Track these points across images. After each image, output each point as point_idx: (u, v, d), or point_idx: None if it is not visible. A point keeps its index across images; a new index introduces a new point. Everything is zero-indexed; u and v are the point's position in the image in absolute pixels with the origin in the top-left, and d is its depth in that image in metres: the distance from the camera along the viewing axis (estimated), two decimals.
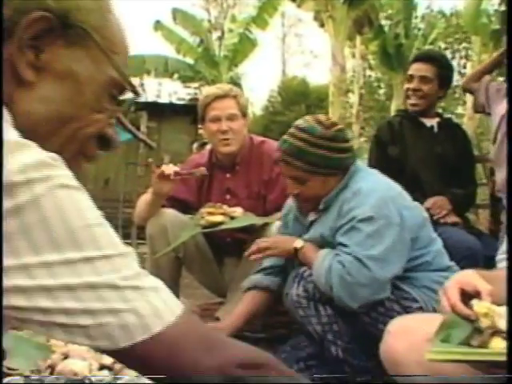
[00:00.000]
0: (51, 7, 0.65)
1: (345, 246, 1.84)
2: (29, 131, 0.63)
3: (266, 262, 2.19)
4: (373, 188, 1.92)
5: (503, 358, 1.02)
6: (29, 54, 0.65)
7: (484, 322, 1.10)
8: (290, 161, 1.94)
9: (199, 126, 2.74)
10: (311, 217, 2.06)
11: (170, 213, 2.53)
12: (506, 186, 2.33)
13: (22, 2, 0.65)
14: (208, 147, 3.09)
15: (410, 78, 2.81)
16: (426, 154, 2.77)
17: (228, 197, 2.62)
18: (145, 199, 2.53)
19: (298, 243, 1.99)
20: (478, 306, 1.12)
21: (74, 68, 0.68)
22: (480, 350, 1.08)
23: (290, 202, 2.20)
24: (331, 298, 1.85)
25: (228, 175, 2.64)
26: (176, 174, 2.37)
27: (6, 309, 0.55)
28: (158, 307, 0.60)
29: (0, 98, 0.58)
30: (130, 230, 9.15)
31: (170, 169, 2.38)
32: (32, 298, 0.54)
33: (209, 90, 2.67)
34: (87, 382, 1.37)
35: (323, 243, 1.95)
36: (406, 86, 2.82)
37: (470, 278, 1.20)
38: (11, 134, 0.56)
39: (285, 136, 1.98)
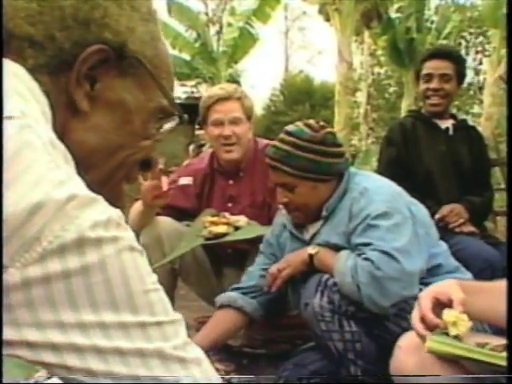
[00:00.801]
0: (108, 40, 0.71)
1: (366, 244, 1.86)
2: (81, 160, 0.68)
3: (247, 281, 2.19)
4: (379, 185, 1.97)
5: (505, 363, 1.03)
6: (85, 84, 0.70)
7: (452, 331, 1.12)
8: (277, 166, 1.98)
9: (196, 126, 2.74)
10: (312, 229, 2.06)
11: (166, 221, 2.52)
12: (506, 185, 2.32)
13: (82, 34, 0.69)
14: (205, 149, 3.10)
15: (429, 77, 2.80)
16: (441, 158, 2.77)
17: (230, 205, 2.61)
18: (137, 208, 2.52)
19: (312, 249, 1.99)
20: (447, 315, 1.15)
21: (126, 97, 0.73)
22: (485, 351, 1.09)
23: (280, 220, 2.19)
24: (357, 305, 1.84)
25: (231, 182, 2.63)
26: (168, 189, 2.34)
27: (57, 367, 0.57)
28: (198, 380, 0.63)
29: (0, 93, 0.60)
30: None
31: (164, 183, 2.33)
32: (84, 358, 0.57)
33: (211, 91, 2.65)
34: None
35: (335, 252, 1.95)
36: (425, 85, 2.80)
37: (446, 287, 1.25)
38: (80, 187, 0.59)
39: (273, 141, 2.03)
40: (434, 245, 2.00)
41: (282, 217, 2.17)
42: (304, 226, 2.10)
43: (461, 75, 2.82)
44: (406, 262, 1.81)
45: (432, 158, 2.76)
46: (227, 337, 2.17)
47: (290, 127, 2.02)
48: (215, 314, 2.14)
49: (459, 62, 2.83)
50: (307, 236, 2.07)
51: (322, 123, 2.02)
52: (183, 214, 2.60)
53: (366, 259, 1.82)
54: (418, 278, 1.85)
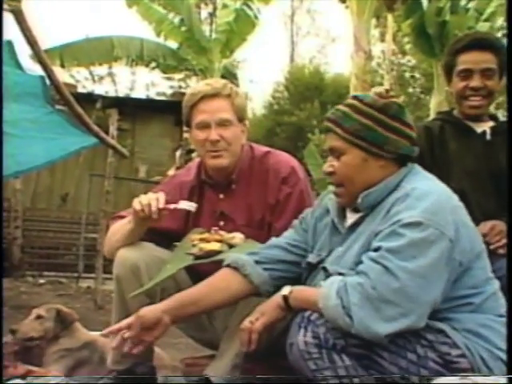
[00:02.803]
0: None
1: (375, 250, 1.88)
2: None
3: (264, 249, 2.28)
4: (429, 191, 1.97)
5: None
6: None
7: None
8: (330, 127, 2.10)
9: (185, 128, 2.72)
10: (350, 220, 2.11)
11: (146, 247, 2.51)
12: (507, 189, 2.32)
13: None
14: (195, 155, 3.09)
15: (467, 74, 2.77)
16: (476, 168, 2.74)
17: (222, 223, 2.61)
18: (120, 228, 2.53)
19: (285, 290, 2.03)
20: None
21: None
22: None
23: (325, 203, 2.25)
24: (347, 338, 1.85)
25: (221, 196, 2.65)
26: (162, 209, 2.37)
27: None
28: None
29: (0, 91, 0.60)
30: (94, 261, 9.11)
31: (155, 207, 2.36)
32: None
33: (195, 87, 2.66)
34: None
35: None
36: (463, 83, 2.76)
37: None
38: None
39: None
40: (476, 285, 1.96)
41: (327, 200, 2.24)
42: (345, 216, 2.15)
43: (503, 68, 2.79)
44: (415, 288, 1.81)
45: (465, 168, 2.74)
46: (228, 302, 2.22)
47: (358, 93, 2.19)
48: (220, 272, 2.21)
49: (502, 53, 2.79)
50: (343, 229, 2.13)
51: (393, 93, 2.12)
52: (171, 239, 2.59)
53: (362, 272, 1.84)
54: (426, 309, 1.84)
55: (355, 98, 2.11)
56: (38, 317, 3.18)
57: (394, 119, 2.05)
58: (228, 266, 2.22)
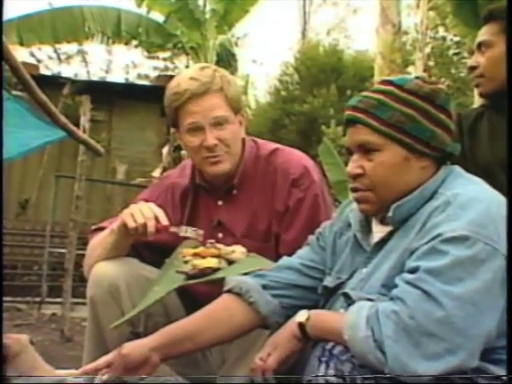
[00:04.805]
0: None
1: (412, 271, 1.84)
2: None
3: (274, 271, 2.27)
4: (475, 197, 1.91)
5: None
6: None
7: None
8: (360, 118, 2.02)
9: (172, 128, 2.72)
10: (377, 235, 2.08)
11: (127, 263, 2.53)
12: (507, 186, 2.34)
13: None
14: (184, 153, 3.09)
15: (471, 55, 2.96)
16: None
17: (220, 235, 2.64)
18: (101, 241, 2.54)
19: (301, 315, 2.00)
20: None
21: None
22: None
23: (346, 215, 2.23)
24: (380, 375, 1.81)
25: (220, 203, 2.67)
26: (161, 228, 2.40)
27: None
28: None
29: (0, 97, 0.62)
30: (61, 282, 9.10)
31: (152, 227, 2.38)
32: None
33: (178, 84, 2.59)
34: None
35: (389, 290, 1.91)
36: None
37: None
38: None
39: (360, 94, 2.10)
40: None
41: (349, 211, 2.21)
42: (370, 230, 2.12)
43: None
44: (464, 317, 1.76)
45: (499, 157, 2.74)
46: (230, 336, 2.22)
47: (389, 77, 2.11)
48: (220, 299, 2.20)
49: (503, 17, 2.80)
50: (369, 246, 2.10)
51: (435, 80, 2.10)
52: (159, 252, 2.60)
53: (398, 299, 1.80)
54: (477, 345, 1.79)
55: (390, 83, 2.05)
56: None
57: (441, 110, 2.02)
58: (230, 291, 2.20)
